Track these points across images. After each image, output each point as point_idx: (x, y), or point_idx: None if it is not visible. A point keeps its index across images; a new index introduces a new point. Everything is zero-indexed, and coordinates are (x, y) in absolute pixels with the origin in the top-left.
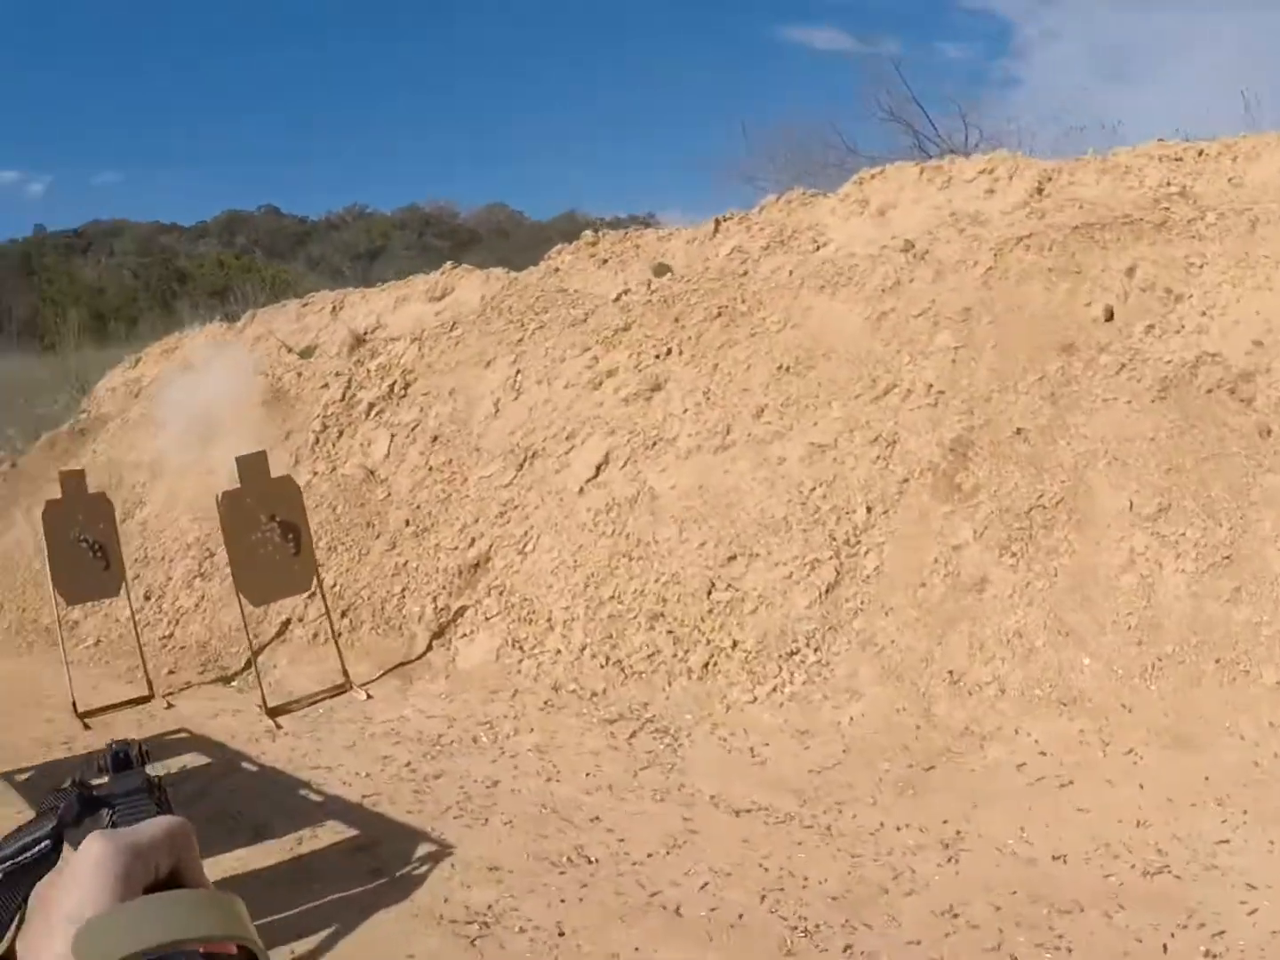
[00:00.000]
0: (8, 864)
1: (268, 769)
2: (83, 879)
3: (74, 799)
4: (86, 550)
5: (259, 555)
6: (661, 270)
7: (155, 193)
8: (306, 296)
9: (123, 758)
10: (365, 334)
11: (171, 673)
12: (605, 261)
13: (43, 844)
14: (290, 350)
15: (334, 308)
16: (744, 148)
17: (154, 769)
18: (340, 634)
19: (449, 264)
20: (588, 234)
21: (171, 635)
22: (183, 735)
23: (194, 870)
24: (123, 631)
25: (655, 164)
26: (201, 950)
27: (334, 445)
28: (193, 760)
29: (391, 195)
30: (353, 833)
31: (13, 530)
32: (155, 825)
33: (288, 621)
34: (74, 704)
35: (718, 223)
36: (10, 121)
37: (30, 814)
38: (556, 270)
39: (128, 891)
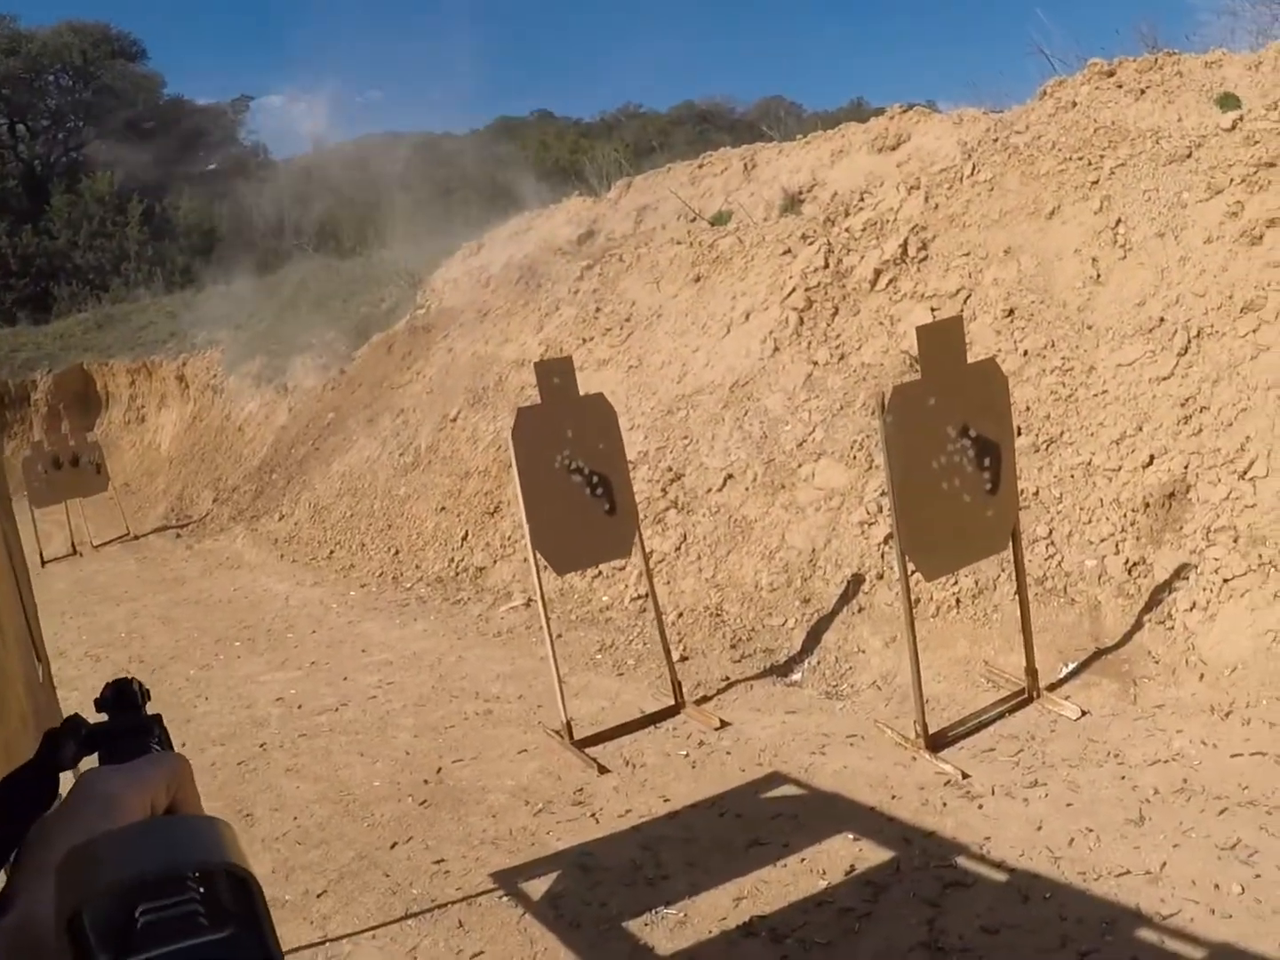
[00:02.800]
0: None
1: (1021, 877)
2: (80, 813)
3: (71, 738)
4: (581, 485)
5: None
6: (1229, 101)
7: (421, 107)
8: (701, 157)
9: (123, 694)
10: (800, 194)
11: (685, 659)
12: (1142, 92)
13: (41, 783)
14: (697, 217)
15: (745, 166)
16: None
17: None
18: (958, 602)
19: (896, 106)
20: (1097, 61)
21: (672, 605)
22: (776, 783)
23: (192, 807)
24: (602, 600)
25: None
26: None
27: (829, 326)
28: (840, 850)
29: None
30: None
31: (354, 448)
32: (153, 761)
33: (854, 579)
34: (567, 724)
35: None
36: (272, 46)
37: None
38: (1074, 104)
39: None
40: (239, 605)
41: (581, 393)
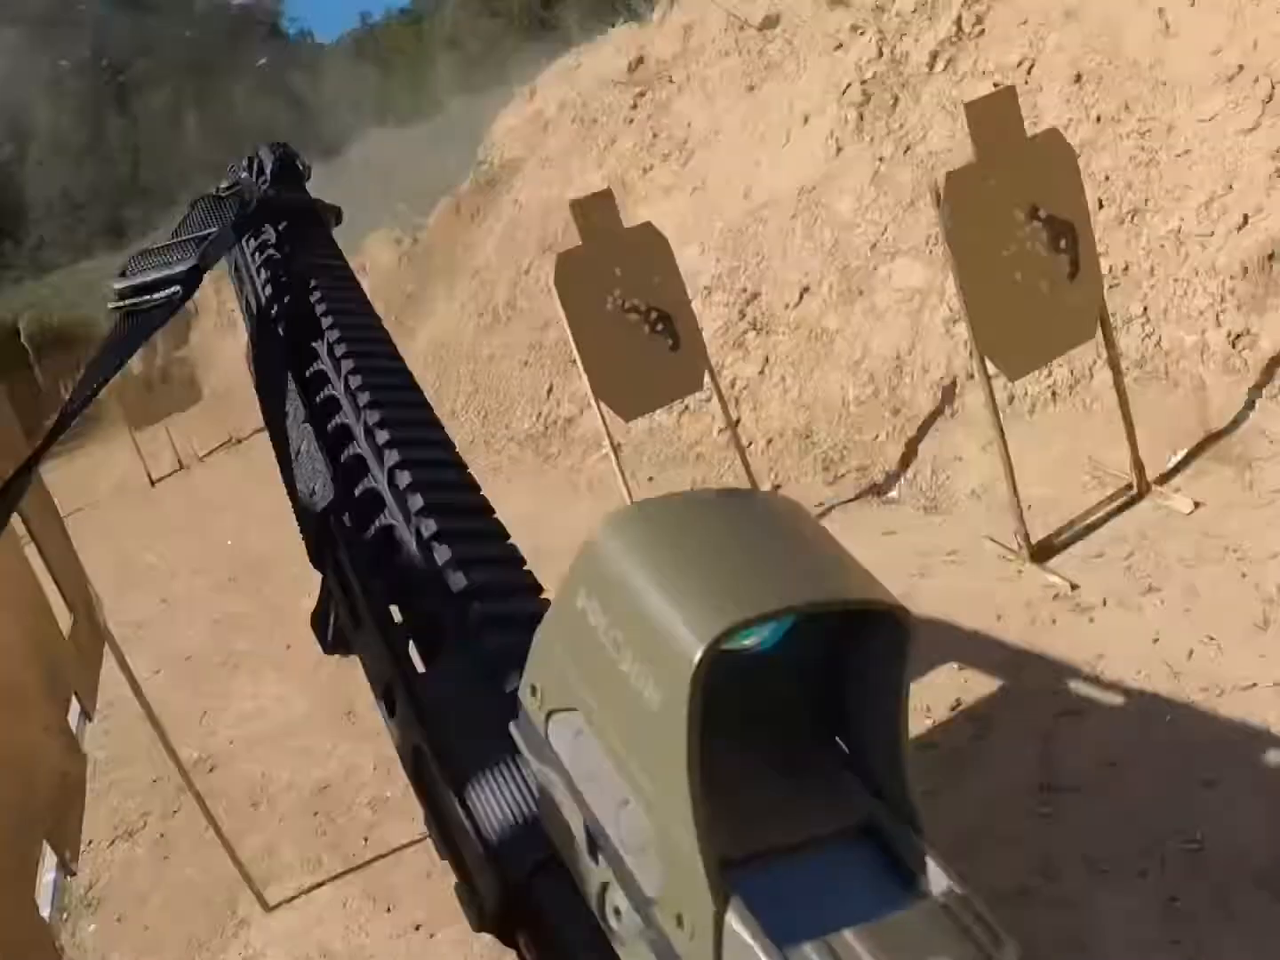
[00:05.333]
0: (128, 303)
1: (1138, 698)
2: None
3: (227, 231)
4: (640, 323)
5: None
6: None
7: None
8: None
9: (288, 162)
10: None
11: (777, 487)
12: None
13: (173, 289)
14: (744, 25)
15: None
16: None
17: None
18: (1054, 396)
19: None
20: None
21: (760, 432)
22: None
23: None
24: (689, 436)
25: None
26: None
27: (890, 118)
28: (945, 683)
29: None
30: None
31: (435, 316)
32: None
33: (944, 382)
34: None
35: None
36: None
37: None
38: None
39: None
40: None
41: (651, 224)
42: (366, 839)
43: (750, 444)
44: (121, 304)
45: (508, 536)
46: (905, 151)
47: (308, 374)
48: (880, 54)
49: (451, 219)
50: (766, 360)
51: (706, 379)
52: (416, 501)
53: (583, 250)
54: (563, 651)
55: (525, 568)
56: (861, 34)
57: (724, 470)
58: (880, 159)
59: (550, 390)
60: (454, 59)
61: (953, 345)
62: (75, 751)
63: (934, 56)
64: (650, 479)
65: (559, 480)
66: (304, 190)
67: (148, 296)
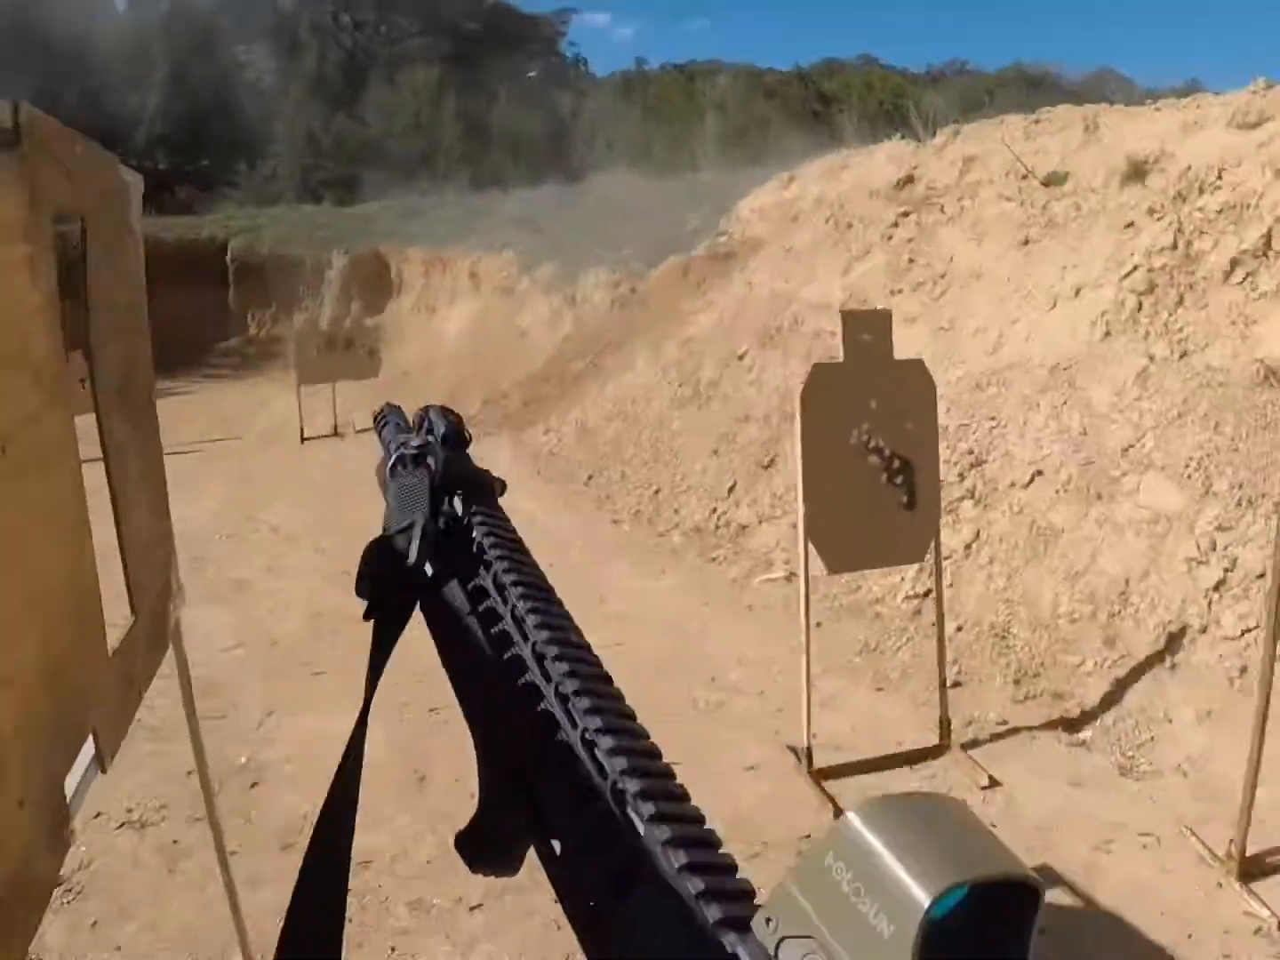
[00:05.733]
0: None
1: None
2: None
3: (427, 518)
4: (879, 468)
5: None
6: None
7: (745, 40)
8: (1039, 112)
9: (459, 428)
10: (1146, 163)
11: (958, 684)
12: None
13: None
14: (1029, 174)
15: (1086, 126)
16: None
17: None
18: None
19: (1260, 81)
20: None
21: (951, 614)
22: (1047, 881)
23: None
24: (873, 591)
25: None
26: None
27: (1171, 316)
28: None
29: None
30: None
31: (633, 372)
32: None
33: (1172, 626)
34: (808, 749)
35: None
36: None
37: None
38: None
39: None
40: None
41: (922, 362)
42: (393, 949)
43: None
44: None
45: (689, 798)
46: (1180, 357)
47: (493, 632)
48: (1175, 245)
49: (676, 280)
50: (977, 536)
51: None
52: (618, 763)
53: (842, 369)
54: (801, 893)
55: (707, 826)
56: (1158, 219)
57: (901, 642)
58: (1151, 357)
59: (732, 489)
60: (718, 125)
61: (1192, 588)
62: (50, 843)
63: (1233, 265)
64: (819, 624)
65: (719, 588)
66: (469, 457)
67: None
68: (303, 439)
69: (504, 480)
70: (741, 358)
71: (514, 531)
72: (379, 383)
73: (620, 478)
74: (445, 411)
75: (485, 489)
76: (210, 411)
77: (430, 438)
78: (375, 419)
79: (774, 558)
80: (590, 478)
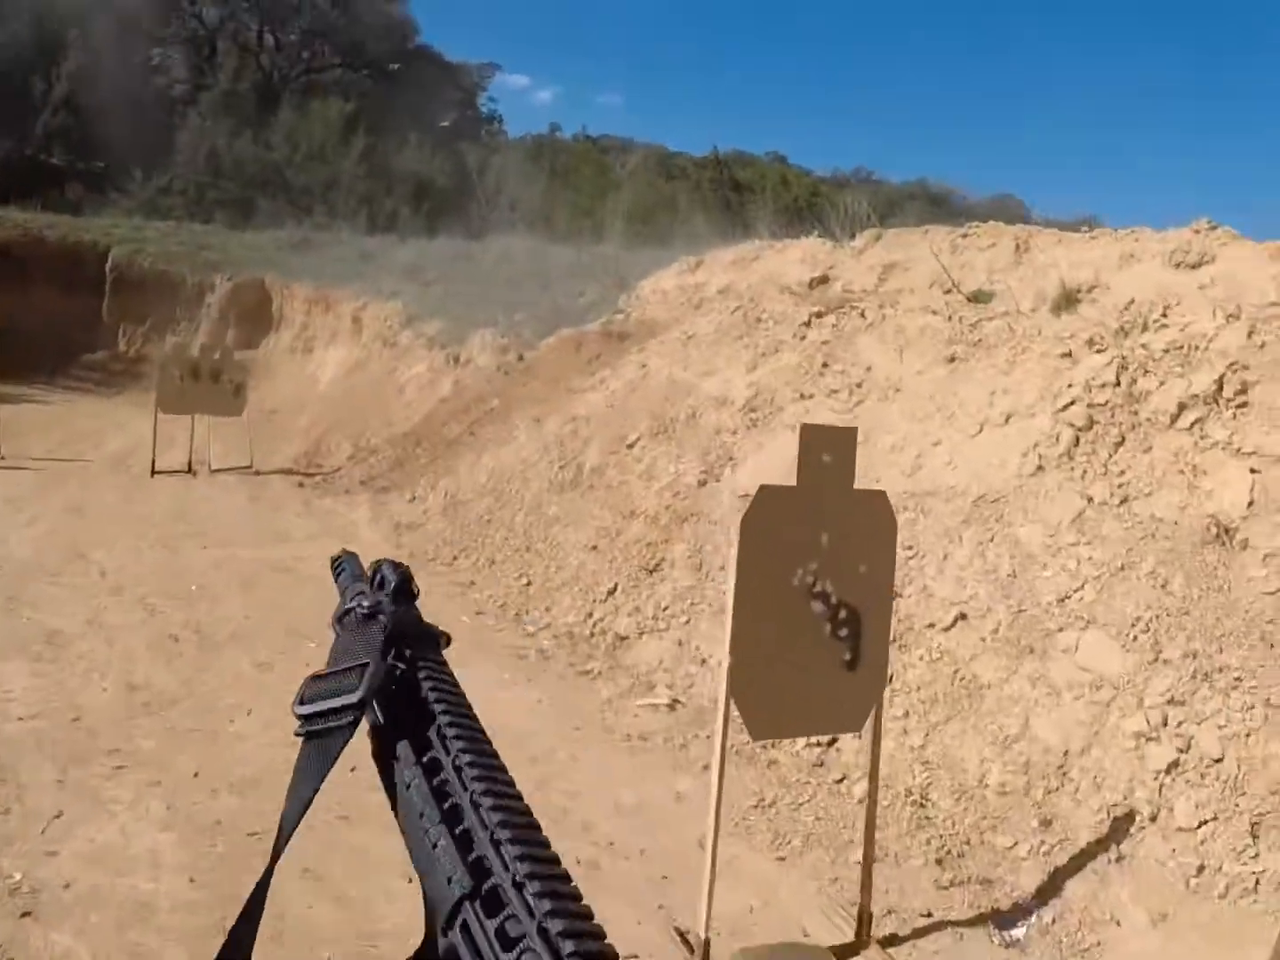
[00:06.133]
0: (314, 728)
1: None
2: None
3: (379, 661)
4: (822, 617)
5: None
6: None
7: (656, 122)
8: (967, 226)
9: (404, 584)
10: (1079, 291)
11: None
12: None
13: (348, 716)
14: (954, 288)
15: (1017, 245)
16: None
17: None
18: (1256, 885)
19: (1204, 220)
20: None
21: (859, 768)
22: None
23: None
24: (776, 754)
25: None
26: None
27: (1112, 458)
28: None
29: (895, 165)
30: None
31: (511, 445)
32: None
33: (1118, 811)
34: (705, 943)
35: None
36: (524, 27)
37: None
38: None
39: None
40: (331, 590)
41: (885, 495)
42: None
43: (842, 779)
44: (306, 729)
45: (605, 935)
46: (1121, 503)
47: (434, 782)
48: (1118, 382)
49: (568, 353)
50: (890, 681)
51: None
52: (544, 905)
53: (794, 494)
54: None
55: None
56: (1097, 351)
57: (803, 798)
58: (1089, 498)
59: (612, 592)
60: (626, 198)
61: (1140, 769)
62: None
63: (1180, 409)
64: (705, 767)
65: (592, 709)
66: (417, 610)
67: (326, 724)
68: (153, 471)
69: (449, 634)
70: (631, 446)
71: (457, 685)
72: (243, 424)
73: (489, 564)
74: (396, 565)
75: (432, 642)
76: (65, 426)
77: (382, 592)
78: (333, 563)
79: (655, 679)
80: (455, 559)
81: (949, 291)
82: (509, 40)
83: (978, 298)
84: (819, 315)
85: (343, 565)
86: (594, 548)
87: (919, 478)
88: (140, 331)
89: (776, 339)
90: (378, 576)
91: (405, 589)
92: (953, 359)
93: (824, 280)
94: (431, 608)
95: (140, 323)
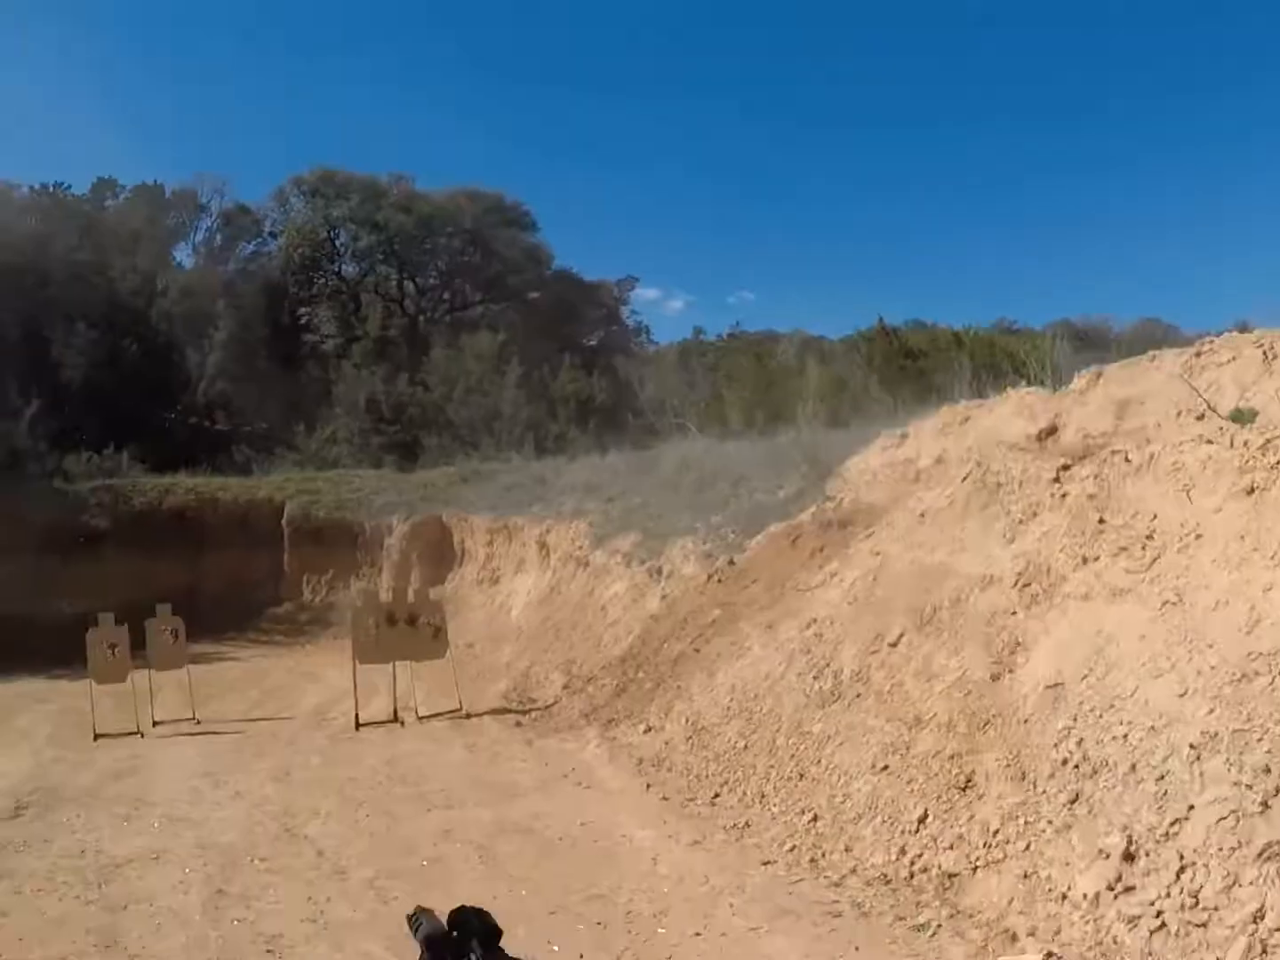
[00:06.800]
0: None
1: None
2: None
3: None
4: None
5: None
6: None
7: (789, 310)
8: (1199, 343)
9: (490, 930)
10: None
11: None
12: None
13: None
14: (1207, 412)
15: (1264, 354)
16: None
17: None
18: None
19: None
20: None
21: None
22: None
23: None
24: None
25: None
26: None
27: None
28: None
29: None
30: None
31: (747, 658)
32: None
33: None
34: None
35: None
36: (650, 246)
37: None
38: None
39: None
40: (585, 852)
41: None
42: None
43: None
44: None
45: None
46: None
47: None
48: None
49: (783, 550)
50: None
51: None
52: None
53: None
54: None
55: None
56: None
57: None
58: None
59: (924, 818)
60: (812, 384)
61: None
62: None
63: None
64: None
65: None
66: (504, 952)
67: None
68: (358, 724)
69: None
70: (894, 644)
71: None
72: (445, 661)
73: (759, 798)
74: (479, 912)
75: None
76: (258, 683)
77: (474, 941)
78: (410, 920)
79: (1014, 922)
80: (717, 796)
81: (1201, 418)
82: (636, 258)
83: (1239, 417)
84: (1065, 468)
85: (420, 920)
86: (884, 768)
87: (1261, 633)
88: (324, 580)
89: (1030, 501)
90: (463, 922)
91: (490, 933)
92: (1252, 489)
93: (1052, 430)
94: (707, 864)
95: (322, 572)
